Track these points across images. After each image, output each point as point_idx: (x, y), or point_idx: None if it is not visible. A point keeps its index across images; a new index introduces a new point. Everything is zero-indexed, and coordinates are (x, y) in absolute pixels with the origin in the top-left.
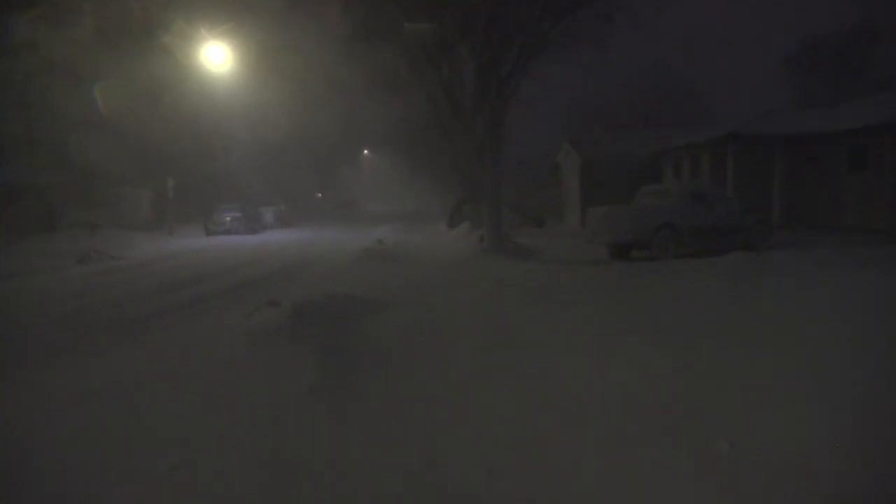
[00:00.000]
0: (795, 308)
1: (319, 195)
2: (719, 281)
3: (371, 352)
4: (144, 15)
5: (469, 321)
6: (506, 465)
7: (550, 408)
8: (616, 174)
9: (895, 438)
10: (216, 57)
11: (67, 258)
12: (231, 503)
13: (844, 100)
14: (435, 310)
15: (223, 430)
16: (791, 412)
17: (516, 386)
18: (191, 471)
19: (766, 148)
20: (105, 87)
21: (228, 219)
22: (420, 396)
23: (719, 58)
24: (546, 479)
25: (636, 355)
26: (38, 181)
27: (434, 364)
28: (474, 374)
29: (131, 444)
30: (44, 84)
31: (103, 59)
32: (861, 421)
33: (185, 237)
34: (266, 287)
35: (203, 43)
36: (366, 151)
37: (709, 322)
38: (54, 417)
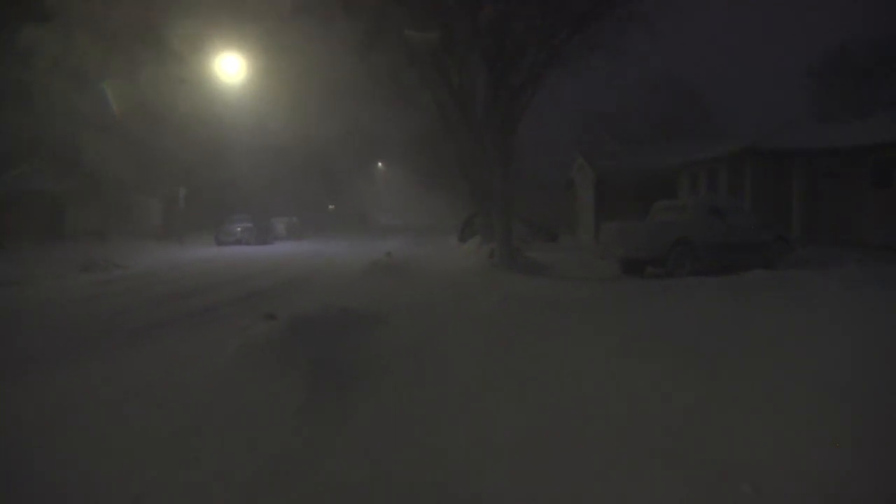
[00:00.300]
0: (827, 332)
1: (331, 207)
2: (738, 300)
3: (366, 371)
4: (157, 23)
5: (472, 339)
6: None
7: (551, 440)
8: (631, 189)
9: None
10: (229, 67)
11: (72, 266)
12: None
13: (867, 113)
14: (437, 326)
15: (198, 453)
16: (824, 451)
17: (518, 416)
18: (155, 501)
19: (786, 162)
20: (117, 94)
21: (239, 229)
22: (414, 421)
23: (736, 70)
24: None
25: (650, 381)
26: (47, 188)
27: (432, 387)
28: (473, 399)
29: (95, 470)
30: (54, 89)
31: (115, 65)
32: None
33: (195, 247)
34: (269, 299)
35: (216, 52)
36: (379, 164)
37: (729, 345)
38: (11, 439)
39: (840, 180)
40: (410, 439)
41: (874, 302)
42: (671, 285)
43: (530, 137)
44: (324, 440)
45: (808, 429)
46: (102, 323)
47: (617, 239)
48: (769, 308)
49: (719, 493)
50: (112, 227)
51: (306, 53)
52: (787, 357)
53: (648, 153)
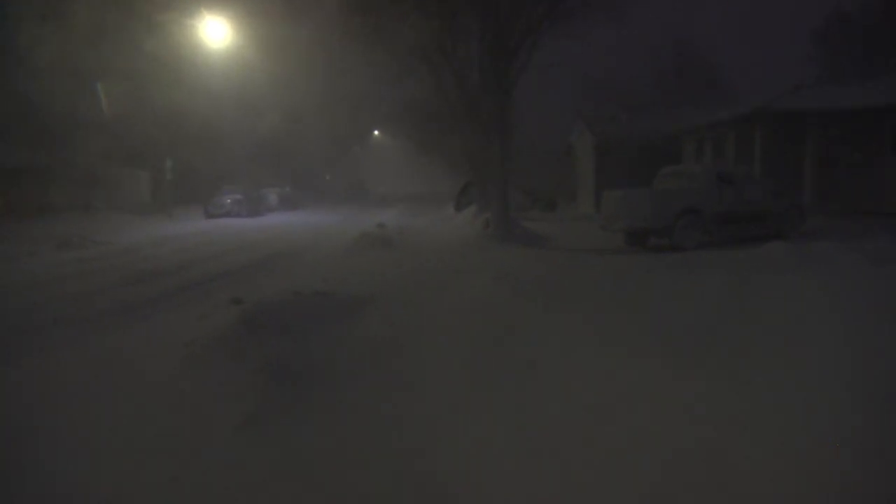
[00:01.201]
0: (864, 318)
1: (328, 178)
2: (761, 279)
3: (330, 373)
4: None
5: (459, 327)
6: None
7: (537, 457)
8: (633, 155)
9: None
10: (217, 34)
11: (49, 243)
12: None
13: (877, 76)
14: (421, 311)
15: (117, 482)
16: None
17: (503, 434)
18: None
19: (798, 126)
20: (101, 63)
21: (229, 201)
22: (380, 441)
23: (739, 34)
24: None
25: (661, 388)
26: (31, 162)
27: (403, 398)
28: (452, 409)
29: None
30: (36, 59)
31: (98, 33)
32: None
33: (184, 220)
34: (245, 278)
35: (203, 18)
36: (376, 132)
37: (753, 341)
38: None
39: (856, 145)
40: (374, 467)
41: None
42: (680, 261)
43: (528, 105)
44: (262, 469)
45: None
46: (53, 310)
47: (619, 208)
48: (793, 294)
49: None
50: (100, 201)
51: (299, 22)
52: (818, 361)
53: (651, 119)
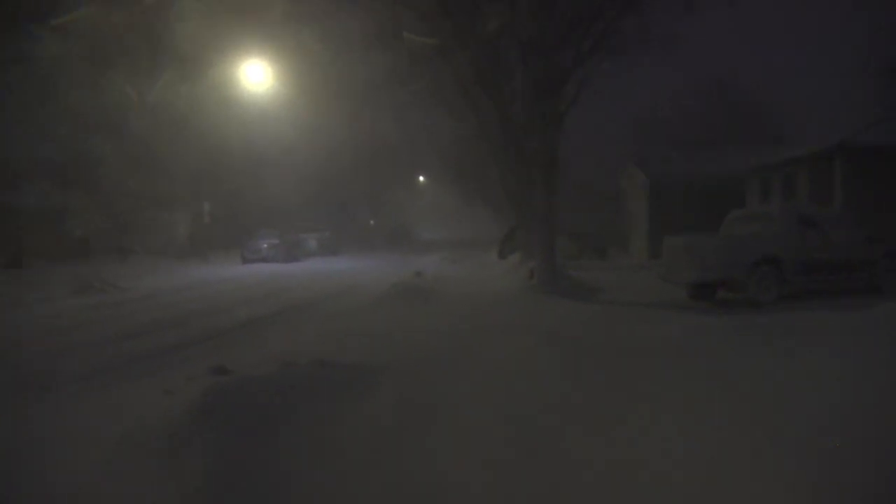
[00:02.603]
0: None
1: (372, 222)
2: (885, 356)
3: (298, 495)
4: (179, 32)
5: (488, 423)
6: None
7: None
8: (689, 197)
9: None
10: (256, 76)
11: (68, 287)
12: None
13: None
14: (442, 392)
15: None
16: None
17: None
18: None
19: (887, 163)
20: (139, 106)
21: (265, 246)
22: None
23: (789, 74)
24: None
25: None
26: (68, 204)
27: None
28: None
29: None
30: (73, 102)
31: (137, 77)
32: None
33: (219, 265)
34: (249, 335)
35: (242, 59)
36: (421, 178)
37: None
38: None
39: None
40: None
41: None
42: (770, 325)
43: (575, 147)
44: None
45: None
46: (7, 370)
47: (684, 256)
48: None
49: None
50: (136, 244)
51: (342, 65)
52: None
53: (706, 158)
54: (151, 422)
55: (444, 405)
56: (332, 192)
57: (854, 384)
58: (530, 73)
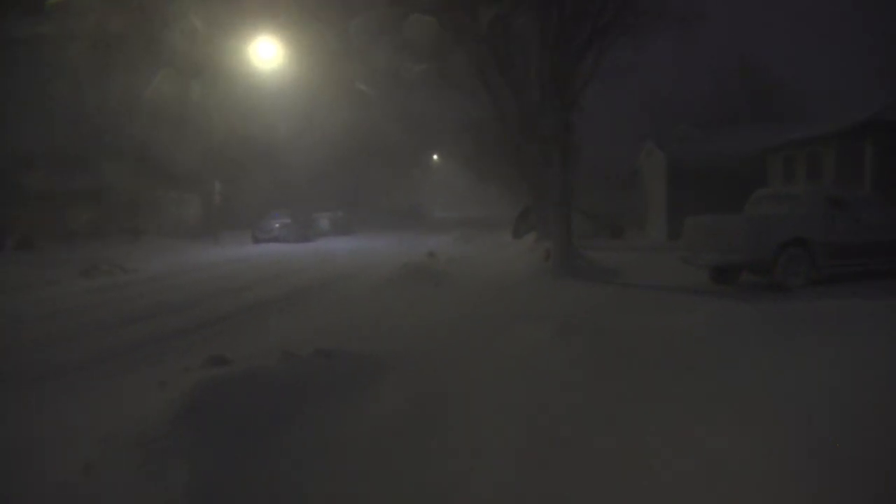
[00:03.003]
0: None
1: (385, 201)
2: None
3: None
4: (193, 13)
5: (499, 426)
6: None
7: None
8: (709, 176)
9: None
10: (268, 55)
11: (75, 270)
12: None
13: None
14: (451, 391)
15: None
16: None
17: None
18: None
19: None
20: (152, 87)
21: (277, 226)
22: None
23: (810, 53)
24: None
25: None
26: (81, 186)
27: None
28: None
29: None
30: (88, 83)
31: (150, 58)
32: None
33: (230, 245)
34: (253, 320)
35: (253, 38)
36: (434, 157)
37: None
38: None
39: None
40: None
41: None
42: (803, 311)
43: (591, 125)
44: None
45: None
46: (20, 357)
47: (708, 237)
48: None
49: None
50: (149, 225)
51: (356, 43)
52: None
53: (726, 137)
54: (142, 417)
55: (448, 406)
56: (345, 171)
57: None
58: (546, 43)
